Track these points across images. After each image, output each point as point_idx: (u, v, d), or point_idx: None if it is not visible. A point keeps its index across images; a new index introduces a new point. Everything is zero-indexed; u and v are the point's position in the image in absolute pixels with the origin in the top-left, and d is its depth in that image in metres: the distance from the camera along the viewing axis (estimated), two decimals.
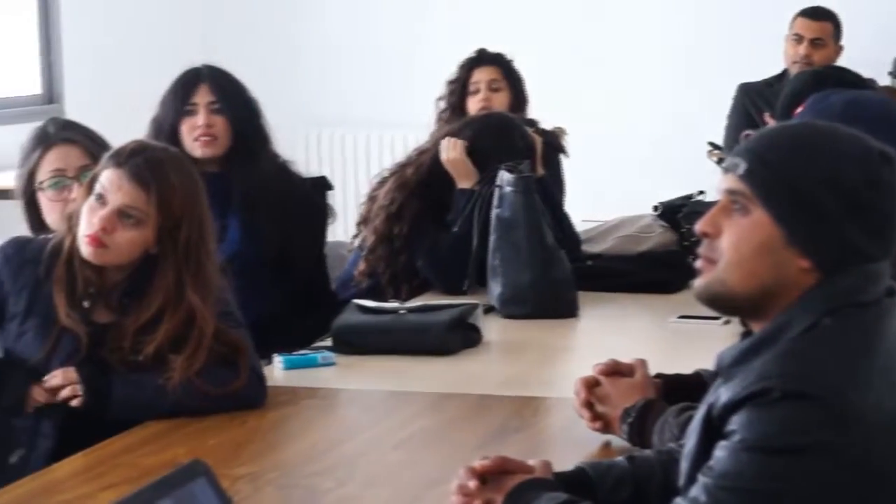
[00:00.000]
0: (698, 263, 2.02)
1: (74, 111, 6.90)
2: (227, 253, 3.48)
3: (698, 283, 2.01)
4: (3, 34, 6.95)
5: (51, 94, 7.05)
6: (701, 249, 2.01)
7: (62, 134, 3.34)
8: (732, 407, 1.88)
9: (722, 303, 2.01)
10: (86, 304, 2.90)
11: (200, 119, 3.90)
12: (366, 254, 4.09)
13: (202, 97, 3.92)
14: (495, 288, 3.81)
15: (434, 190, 4.07)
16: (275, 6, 7.85)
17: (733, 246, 1.96)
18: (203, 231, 2.96)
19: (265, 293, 3.80)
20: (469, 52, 5.02)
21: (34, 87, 7.05)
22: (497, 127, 4.20)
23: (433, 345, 3.36)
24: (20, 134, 6.52)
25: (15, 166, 6.27)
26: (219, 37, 7.55)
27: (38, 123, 6.62)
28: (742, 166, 1.97)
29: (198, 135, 3.91)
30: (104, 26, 7.28)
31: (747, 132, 3.06)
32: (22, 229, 6.07)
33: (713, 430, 1.91)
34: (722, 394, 1.91)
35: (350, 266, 4.20)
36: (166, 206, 2.89)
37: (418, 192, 4.08)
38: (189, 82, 3.98)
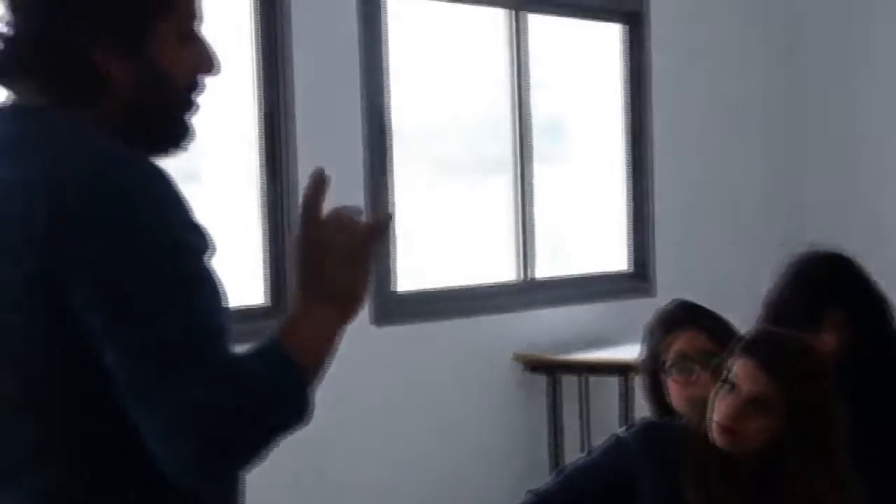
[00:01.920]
0: None
1: (665, 288, 7.01)
2: None
3: None
4: (598, 213, 7.16)
5: (641, 270, 7.17)
6: None
7: (688, 317, 3.36)
8: None
9: None
10: (716, 489, 2.88)
11: None
12: None
13: None
14: None
15: None
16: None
17: None
18: (833, 423, 2.89)
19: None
20: None
21: (624, 264, 7.19)
22: None
23: None
24: (609, 311, 6.74)
25: (607, 343, 6.48)
26: (809, 219, 7.52)
27: (628, 301, 6.81)
28: None
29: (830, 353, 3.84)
30: (694, 202, 7.37)
31: None
32: (615, 404, 6.19)
33: None
34: None
35: None
36: (797, 396, 2.85)
37: None
38: (818, 294, 3.89)
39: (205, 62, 2.03)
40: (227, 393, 1.80)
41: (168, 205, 1.85)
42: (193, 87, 2.03)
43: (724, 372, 2.91)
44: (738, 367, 2.89)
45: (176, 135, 2.02)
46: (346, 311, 1.98)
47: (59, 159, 1.85)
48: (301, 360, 1.89)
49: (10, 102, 1.99)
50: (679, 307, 3.42)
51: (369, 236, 2.00)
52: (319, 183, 2.00)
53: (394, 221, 5.85)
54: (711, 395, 2.92)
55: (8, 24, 1.96)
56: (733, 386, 2.88)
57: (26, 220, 1.82)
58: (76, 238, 1.80)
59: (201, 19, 2.03)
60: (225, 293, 1.90)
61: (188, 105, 2.02)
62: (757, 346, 2.91)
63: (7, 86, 1.99)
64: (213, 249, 1.88)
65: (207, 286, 1.86)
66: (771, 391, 2.85)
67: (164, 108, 2.00)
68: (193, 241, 1.86)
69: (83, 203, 1.80)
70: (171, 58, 1.99)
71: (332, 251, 1.96)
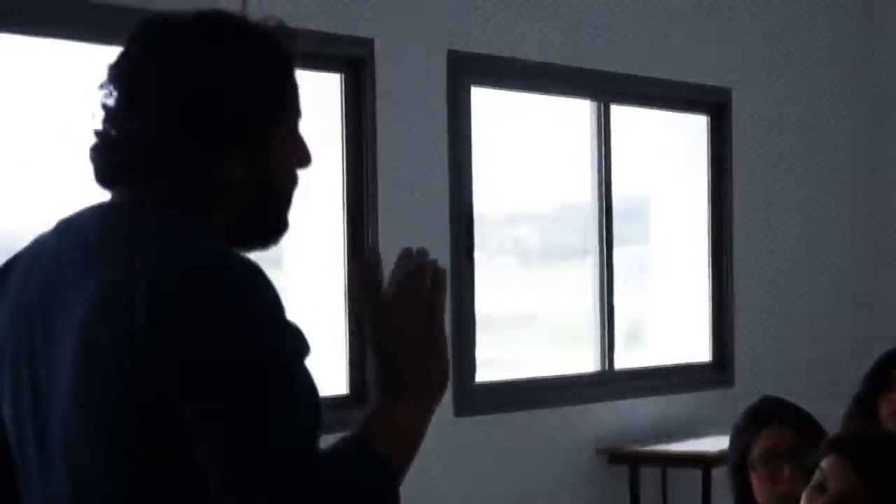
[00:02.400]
0: None
1: (744, 379, 6.96)
2: None
3: None
4: (674, 296, 7.13)
5: (721, 361, 7.12)
6: None
7: (774, 413, 3.35)
8: None
9: None
10: None
11: None
12: None
13: None
14: None
15: None
16: None
17: None
18: None
19: None
20: None
21: (704, 355, 7.15)
22: None
23: None
24: (689, 402, 6.69)
25: (687, 434, 6.44)
26: None
27: (708, 392, 6.76)
28: None
29: (893, 409, 3.83)
30: (776, 293, 7.33)
31: None
32: (695, 496, 6.13)
33: None
34: None
35: None
36: (888, 494, 2.81)
37: None
38: (890, 360, 3.93)
39: (303, 158, 2.04)
40: (315, 501, 1.79)
41: (266, 307, 1.84)
42: (295, 182, 2.04)
43: (815, 469, 2.88)
44: (827, 465, 2.85)
45: (276, 230, 2.04)
46: (431, 400, 1.95)
47: (161, 260, 1.85)
48: (390, 457, 1.87)
49: (110, 201, 1.98)
50: (765, 403, 3.41)
51: (435, 304, 1.95)
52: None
53: (473, 313, 5.86)
54: (798, 491, 2.89)
55: (112, 125, 1.95)
56: (822, 484, 2.85)
57: (128, 321, 1.82)
58: (175, 336, 1.80)
59: (301, 115, 2.05)
60: (317, 393, 1.89)
61: (290, 201, 2.04)
62: (846, 444, 2.88)
63: (109, 188, 1.98)
64: (308, 350, 1.88)
65: (301, 389, 1.84)
66: (860, 490, 2.80)
67: (273, 206, 2.01)
68: (289, 343, 1.86)
69: (183, 303, 1.81)
70: (283, 157, 2.00)
71: (406, 339, 1.93)
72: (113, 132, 1.95)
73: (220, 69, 1.94)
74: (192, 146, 1.92)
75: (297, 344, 1.86)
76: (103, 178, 1.98)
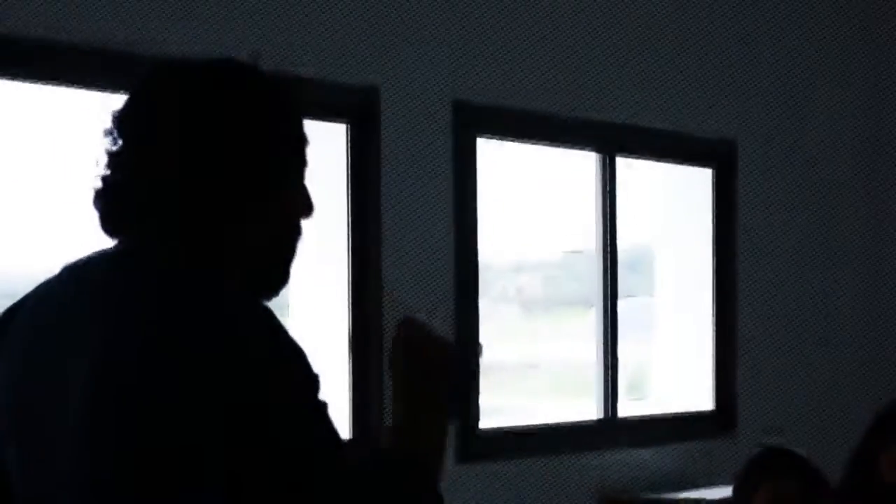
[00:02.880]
0: None
1: (747, 428, 6.95)
2: None
3: None
4: (676, 347, 7.14)
5: (725, 410, 7.11)
6: None
7: (778, 465, 3.37)
8: None
9: None
10: None
11: None
12: None
13: None
14: None
15: None
16: None
17: None
18: None
19: None
20: None
21: (706, 403, 7.14)
22: None
23: None
24: (692, 450, 6.68)
25: (690, 483, 6.42)
26: None
27: (711, 441, 6.75)
28: None
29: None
30: (780, 343, 7.33)
31: None
32: None
33: None
34: None
35: None
36: None
37: None
38: (889, 414, 3.96)
39: (307, 208, 2.04)
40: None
41: (290, 352, 1.84)
42: (299, 233, 2.04)
43: None
44: None
45: (278, 282, 2.03)
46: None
47: (173, 312, 1.84)
48: (428, 463, 1.94)
49: (117, 247, 1.97)
50: (769, 454, 3.42)
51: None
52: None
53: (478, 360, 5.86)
54: None
55: (119, 170, 1.94)
56: None
57: (142, 371, 1.81)
58: (200, 385, 1.79)
59: (308, 165, 2.05)
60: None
61: (294, 252, 2.04)
62: (847, 499, 2.90)
63: (114, 234, 1.97)
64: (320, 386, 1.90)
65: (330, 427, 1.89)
66: None
67: (277, 255, 2.02)
68: (314, 387, 1.86)
69: (202, 354, 1.80)
70: (290, 205, 2.01)
71: (431, 349, 2.01)
72: (119, 176, 1.94)
73: (232, 114, 1.95)
74: (200, 190, 1.92)
75: (317, 384, 1.88)
76: (109, 222, 1.97)
